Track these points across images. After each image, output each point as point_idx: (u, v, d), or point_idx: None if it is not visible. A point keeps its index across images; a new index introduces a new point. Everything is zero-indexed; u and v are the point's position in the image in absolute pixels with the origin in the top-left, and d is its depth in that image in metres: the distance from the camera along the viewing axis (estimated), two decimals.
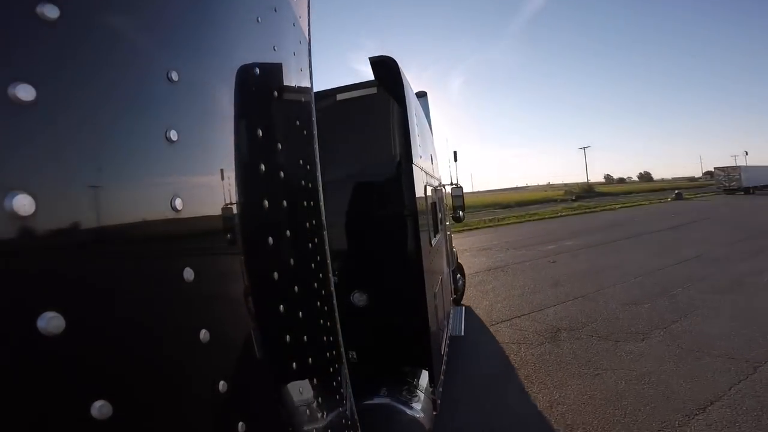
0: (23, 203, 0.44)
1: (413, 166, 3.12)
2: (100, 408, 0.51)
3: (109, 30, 0.60)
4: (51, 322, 0.46)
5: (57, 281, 0.49)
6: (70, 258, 0.52)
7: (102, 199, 0.56)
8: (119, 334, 0.57)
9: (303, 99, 1.36)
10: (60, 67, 0.52)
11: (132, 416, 0.57)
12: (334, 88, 3.42)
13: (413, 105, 3.47)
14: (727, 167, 45.09)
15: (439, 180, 6.23)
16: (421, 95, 5.48)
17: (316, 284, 1.27)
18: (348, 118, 3.39)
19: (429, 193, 4.02)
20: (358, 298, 3.27)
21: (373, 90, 3.24)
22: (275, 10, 1.15)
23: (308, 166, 1.33)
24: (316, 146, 1.43)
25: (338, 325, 1.41)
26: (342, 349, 1.42)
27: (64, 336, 0.47)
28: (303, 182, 1.28)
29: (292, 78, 1.25)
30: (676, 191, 41.84)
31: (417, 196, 3.17)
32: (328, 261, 1.39)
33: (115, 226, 0.58)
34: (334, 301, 1.41)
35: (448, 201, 7.65)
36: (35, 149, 0.48)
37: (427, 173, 4.08)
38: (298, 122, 1.28)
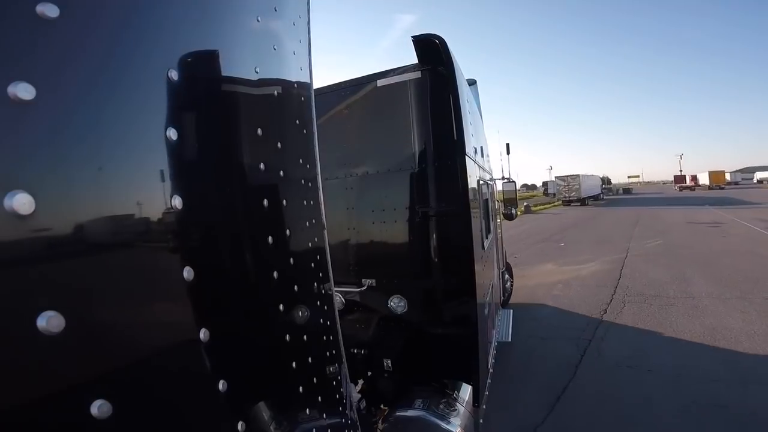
0: (23, 202, 0.44)
1: (466, 158, 2.77)
2: (99, 407, 0.51)
3: (108, 29, 0.60)
4: (51, 320, 0.46)
5: (57, 280, 0.50)
6: (69, 257, 0.52)
7: (101, 198, 0.56)
8: (119, 333, 0.57)
9: (303, 98, 1.33)
10: (60, 66, 0.52)
11: (131, 415, 0.57)
12: (373, 74, 3.07)
13: (464, 90, 3.07)
14: (567, 176, 42.10)
15: (491, 174, 5.62)
16: (471, 83, 4.54)
17: (315, 283, 1.27)
18: (390, 105, 2.99)
19: (482, 188, 3.64)
20: (397, 303, 2.99)
21: (417, 74, 2.83)
22: (275, 10, 1.15)
23: (308, 165, 1.31)
24: (316, 145, 1.37)
25: (338, 325, 1.40)
26: (342, 349, 1.41)
27: (64, 335, 0.47)
28: (303, 181, 1.26)
29: (292, 77, 1.25)
30: (525, 203, 37.98)
31: (469, 192, 2.80)
32: (328, 260, 1.37)
33: (115, 225, 0.58)
34: (334, 300, 1.39)
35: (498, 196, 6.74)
36: (35, 148, 0.48)
37: (480, 167, 3.67)
38: (297, 121, 1.27)
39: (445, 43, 2.69)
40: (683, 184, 66.19)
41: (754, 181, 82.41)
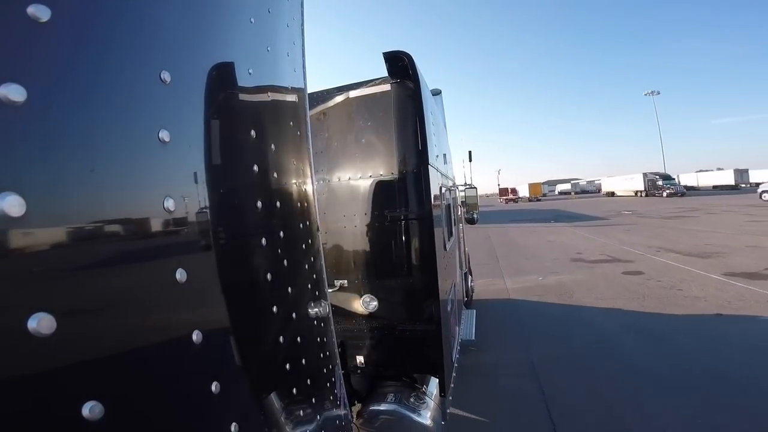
0: (13, 204, 0.43)
1: (429, 167, 2.93)
2: (91, 408, 0.50)
3: (100, 31, 0.59)
4: (42, 322, 0.45)
5: (48, 282, 0.49)
6: (61, 259, 0.51)
7: (93, 200, 0.55)
8: (111, 335, 0.56)
9: (296, 100, 1.32)
10: (51, 68, 0.51)
11: (124, 417, 0.56)
12: (346, 85, 3.23)
13: (429, 103, 3.29)
14: None
15: (454, 180, 5.79)
16: (436, 93, 4.93)
17: (309, 285, 1.26)
18: (360, 116, 3.15)
19: (444, 195, 3.81)
20: (368, 302, 3.10)
21: (387, 87, 3.03)
22: (269, 12, 1.14)
23: (301, 167, 1.30)
24: (310, 147, 1.36)
25: (332, 326, 1.38)
26: (336, 350, 1.40)
27: (56, 336, 0.47)
28: (296, 183, 1.25)
29: (286, 79, 1.24)
30: None
31: (432, 198, 2.94)
32: (322, 262, 1.37)
33: (107, 227, 0.57)
34: (329, 302, 1.38)
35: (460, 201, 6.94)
36: (26, 150, 0.47)
37: (442, 174, 3.84)
38: (291, 123, 1.25)
39: (413, 59, 2.84)
40: (507, 197, 67.87)
41: (556, 193, 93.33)
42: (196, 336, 0.70)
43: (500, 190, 78.22)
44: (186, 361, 0.70)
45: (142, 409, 0.59)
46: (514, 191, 71.71)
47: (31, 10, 0.47)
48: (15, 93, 0.44)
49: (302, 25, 1.34)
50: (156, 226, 0.66)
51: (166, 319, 0.67)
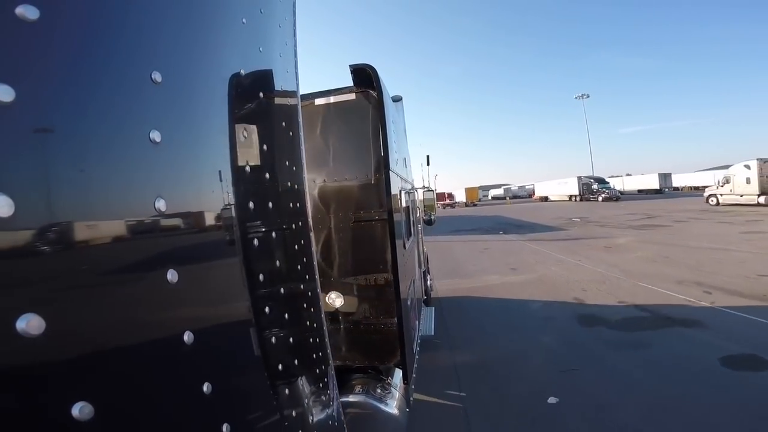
0: (2, 205, 0.43)
1: (390, 172, 3.08)
2: (81, 409, 0.49)
3: (90, 31, 0.58)
4: (31, 323, 0.45)
5: (37, 283, 0.48)
6: (50, 260, 0.50)
7: (83, 201, 0.54)
8: (101, 336, 0.56)
9: (289, 101, 1.31)
10: (40, 68, 0.50)
11: (114, 418, 0.55)
12: (312, 93, 3.33)
13: (390, 111, 3.46)
14: None
15: (413, 184, 6.15)
16: (397, 99, 5.12)
17: (302, 286, 1.25)
18: (326, 122, 3.28)
19: (404, 197, 4.02)
20: (334, 299, 3.24)
21: (352, 96, 3.20)
22: (261, 12, 1.12)
23: (294, 168, 1.28)
24: (302, 148, 1.34)
25: (325, 327, 1.36)
26: (329, 351, 1.38)
27: (45, 337, 0.46)
28: (289, 184, 1.24)
29: (278, 80, 1.22)
30: None
31: (392, 201, 3.12)
32: (315, 263, 1.34)
33: (98, 228, 0.57)
34: (321, 303, 1.36)
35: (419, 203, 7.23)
36: (14, 150, 0.46)
37: (402, 178, 4.03)
38: (283, 124, 1.24)
39: (376, 71, 3.04)
40: (445, 201, 64.99)
41: (490, 197, 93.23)
42: (187, 336, 0.69)
43: (438, 195, 75.12)
44: (177, 361, 0.69)
45: (132, 409, 0.59)
46: (450, 196, 69.06)
47: (20, 10, 0.47)
48: (3, 93, 0.44)
49: (294, 25, 1.34)
50: (147, 227, 0.65)
51: (158, 319, 0.66)
